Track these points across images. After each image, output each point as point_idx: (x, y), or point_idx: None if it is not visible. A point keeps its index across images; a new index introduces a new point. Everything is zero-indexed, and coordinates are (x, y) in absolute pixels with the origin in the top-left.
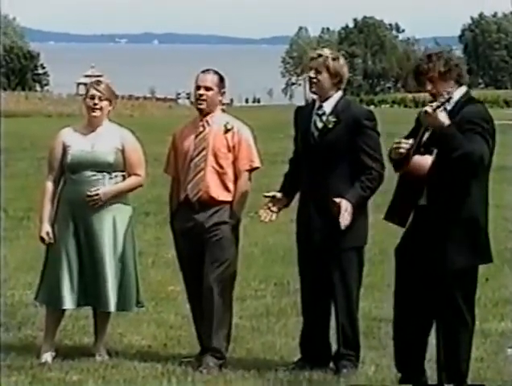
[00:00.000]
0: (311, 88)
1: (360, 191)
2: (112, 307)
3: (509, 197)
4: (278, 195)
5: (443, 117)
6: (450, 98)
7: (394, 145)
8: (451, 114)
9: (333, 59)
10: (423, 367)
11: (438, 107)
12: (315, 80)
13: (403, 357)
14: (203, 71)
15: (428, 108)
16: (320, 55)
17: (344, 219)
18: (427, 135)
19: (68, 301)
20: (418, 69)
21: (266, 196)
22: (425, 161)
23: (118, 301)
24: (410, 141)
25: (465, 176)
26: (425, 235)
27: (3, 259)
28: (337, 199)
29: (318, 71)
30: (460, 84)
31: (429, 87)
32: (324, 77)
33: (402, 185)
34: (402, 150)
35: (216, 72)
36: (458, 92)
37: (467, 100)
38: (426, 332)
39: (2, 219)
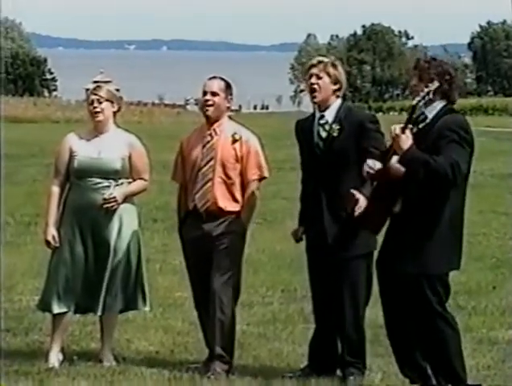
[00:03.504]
0: (312, 94)
1: None
2: (99, 311)
3: None
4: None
5: (405, 141)
6: (425, 97)
7: (366, 169)
8: (430, 124)
9: (333, 66)
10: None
11: (405, 127)
12: (316, 86)
13: (404, 365)
14: (209, 78)
15: (396, 130)
16: (320, 62)
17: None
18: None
19: (56, 307)
20: (417, 62)
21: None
22: (401, 171)
23: (105, 303)
24: (377, 164)
25: (443, 189)
26: (401, 242)
27: (4, 265)
28: (355, 194)
29: (319, 77)
30: (446, 98)
31: (414, 82)
32: (325, 82)
33: (376, 193)
34: (371, 172)
35: (222, 79)
36: (439, 104)
37: (447, 110)
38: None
39: (2, 226)
